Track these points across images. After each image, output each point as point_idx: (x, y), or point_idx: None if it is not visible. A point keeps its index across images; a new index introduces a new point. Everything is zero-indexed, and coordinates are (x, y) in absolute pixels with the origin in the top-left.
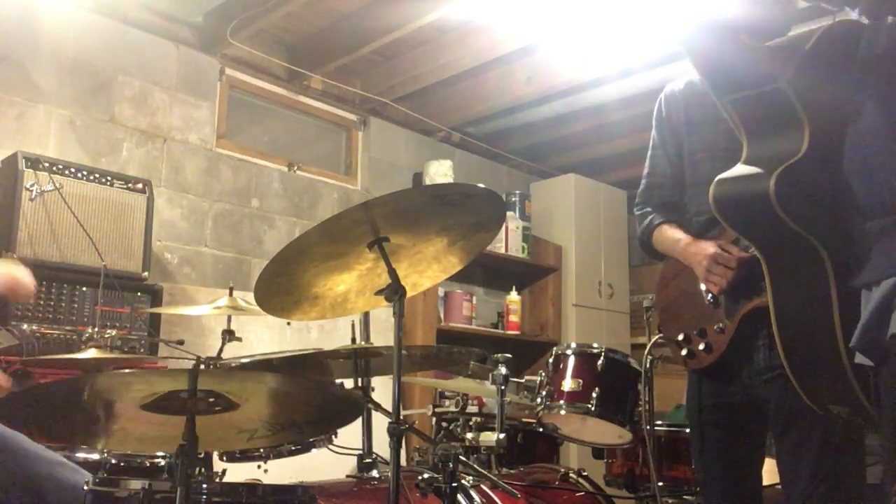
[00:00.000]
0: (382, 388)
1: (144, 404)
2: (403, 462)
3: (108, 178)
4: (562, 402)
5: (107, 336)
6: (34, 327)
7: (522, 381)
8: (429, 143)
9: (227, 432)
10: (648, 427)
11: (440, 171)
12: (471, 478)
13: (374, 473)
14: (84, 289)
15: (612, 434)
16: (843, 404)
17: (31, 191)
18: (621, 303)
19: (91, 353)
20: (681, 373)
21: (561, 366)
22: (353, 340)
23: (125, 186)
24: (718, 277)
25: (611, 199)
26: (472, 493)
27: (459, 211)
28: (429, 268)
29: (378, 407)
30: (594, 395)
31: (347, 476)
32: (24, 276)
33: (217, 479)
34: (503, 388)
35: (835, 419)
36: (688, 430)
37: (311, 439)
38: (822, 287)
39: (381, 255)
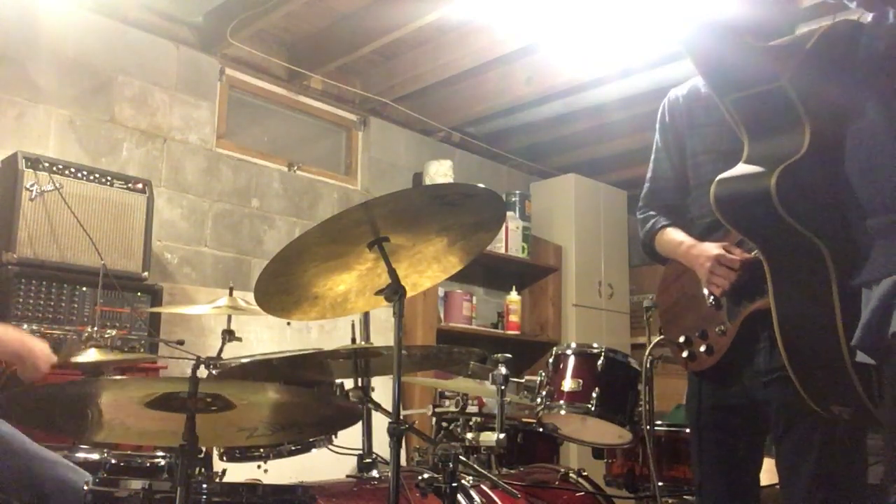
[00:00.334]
0: (382, 388)
1: (145, 402)
2: (403, 462)
3: (108, 178)
4: (562, 402)
5: (107, 336)
6: (34, 327)
7: (522, 381)
8: (429, 143)
9: (226, 430)
10: (648, 427)
11: (440, 171)
12: (471, 478)
13: (374, 473)
14: (84, 289)
15: (612, 434)
16: (845, 404)
17: (31, 191)
18: (621, 303)
19: (91, 353)
20: (681, 373)
21: (561, 366)
22: (353, 340)
23: (125, 186)
24: (721, 279)
25: (611, 199)
26: (472, 493)
27: (459, 211)
28: (429, 268)
29: (378, 407)
30: (594, 395)
31: (347, 476)
32: (40, 350)
33: (217, 479)
34: (503, 388)
35: (836, 420)
36: (688, 431)
37: (310, 439)
38: (824, 286)
39: (381, 255)
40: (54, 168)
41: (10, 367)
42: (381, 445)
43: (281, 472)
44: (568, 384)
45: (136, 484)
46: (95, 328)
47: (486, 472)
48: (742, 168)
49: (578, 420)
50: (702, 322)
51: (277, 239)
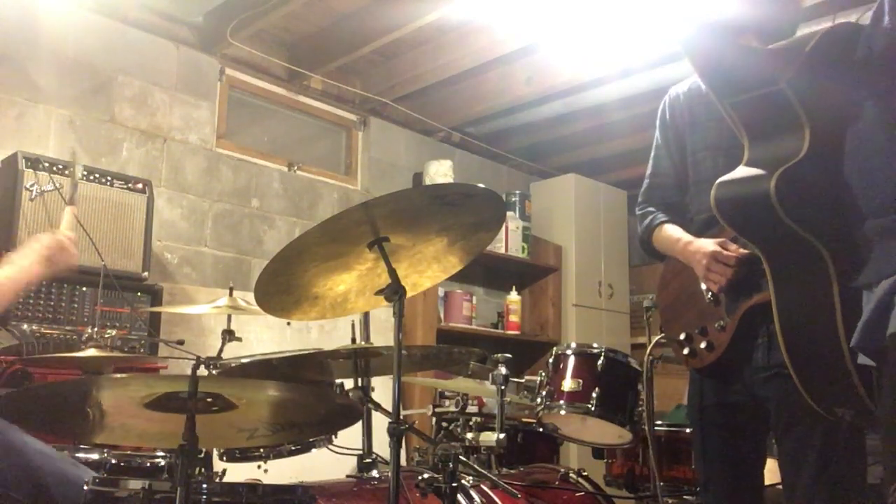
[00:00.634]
0: (382, 388)
1: (145, 403)
2: (403, 462)
3: (108, 178)
4: (562, 402)
5: (107, 336)
6: (34, 327)
7: (522, 381)
8: (429, 143)
9: (226, 431)
10: (650, 427)
11: (440, 171)
12: (471, 478)
13: (374, 473)
14: (84, 289)
15: (612, 434)
16: (847, 406)
17: (31, 191)
18: (621, 303)
19: (91, 353)
20: (681, 373)
21: (561, 366)
22: (353, 340)
23: (125, 186)
24: (718, 275)
25: (611, 199)
26: (472, 493)
27: (459, 211)
28: (429, 268)
29: (378, 407)
30: (594, 395)
31: (347, 476)
32: (56, 243)
33: (217, 479)
34: (503, 388)
35: (838, 421)
36: (688, 430)
37: (310, 439)
38: (825, 288)
39: (381, 255)
40: (54, 168)
41: (10, 366)
42: (381, 445)
43: (281, 472)
44: (568, 384)
45: (136, 484)
46: (95, 328)
47: (486, 472)
48: (742, 171)
49: (578, 420)
50: (701, 319)
51: (277, 239)
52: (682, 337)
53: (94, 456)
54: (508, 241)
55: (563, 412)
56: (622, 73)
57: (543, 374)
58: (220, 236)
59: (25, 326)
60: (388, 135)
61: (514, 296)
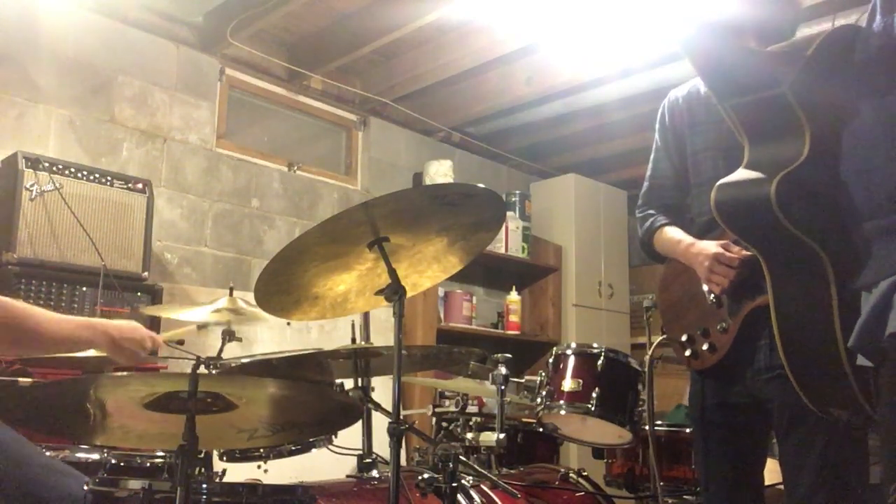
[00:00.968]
0: (382, 388)
1: (145, 403)
2: (403, 462)
3: (108, 178)
4: (562, 402)
5: None
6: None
7: (522, 381)
8: (429, 143)
9: (226, 431)
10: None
11: (440, 171)
12: (471, 478)
13: (374, 473)
14: (84, 289)
15: (612, 434)
16: (843, 407)
17: (31, 191)
18: (621, 303)
19: (91, 353)
20: (681, 373)
21: (561, 366)
22: (353, 340)
23: (125, 186)
24: (720, 277)
25: (611, 199)
26: (472, 493)
27: (459, 211)
28: (429, 268)
29: (378, 407)
30: (594, 395)
31: (347, 476)
32: (133, 332)
33: (217, 479)
34: (503, 388)
35: (836, 421)
36: (688, 430)
37: (311, 439)
38: (823, 291)
39: (381, 255)
40: (54, 168)
41: (10, 366)
42: (381, 445)
43: (281, 472)
44: (568, 384)
45: (136, 484)
46: None
47: (486, 472)
48: (742, 174)
49: (578, 420)
50: (703, 320)
51: (277, 239)
52: (683, 338)
53: (95, 456)
54: (508, 241)
55: (563, 412)
56: (622, 73)
57: (543, 374)
58: (220, 236)
59: None
60: (388, 135)
61: (514, 296)
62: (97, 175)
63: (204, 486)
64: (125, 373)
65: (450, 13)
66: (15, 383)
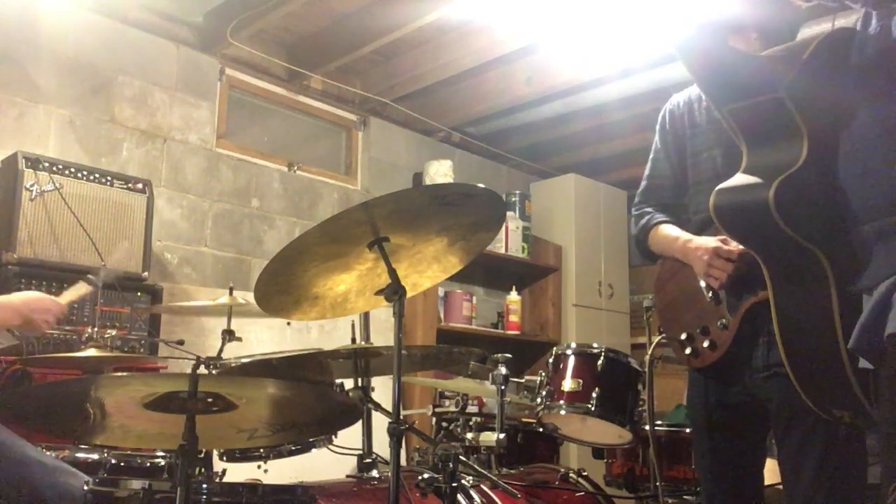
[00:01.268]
0: (382, 388)
1: (145, 403)
2: (403, 462)
3: (108, 178)
4: (562, 402)
5: (107, 336)
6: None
7: (522, 381)
8: (429, 143)
9: (226, 431)
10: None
11: (440, 171)
12: (471, 478)
13: (374, 473)
14: None
15: (612, 434)
16: (845, 408)
17: (31, 191)
18: (621, 303)
19: (91, 353)
20: (681, 373)
21: (561, 366)
22: (353, 340)
23: (125, 186)
24: (719, 271)
25: (611, 199)
26: (472, 493)
27: (459, 211)
28: (429, 268)
29: (378, 407)
30: (594, 395)
31: (347, 476)
32: (39, 303)
33: (217, 479)
34: (503, 388)
35: (837, 422)
36: (688, 430)
37: (311, 439)
38: (824, 294)
39: (381, 255)
40: (54, 168)
41: (10, 366)
42: (381, 445)
43: (281, 472)
44: (568, 384)
45: (136, 484)
46: (95, 328)
47: (486, 472)
48: (740, 178)
49: (578, 420)
50: (702, 318)
51: (277, 239)
52: (683, 337)
53: (94, 456)
54: (508, 241)
55: (563, 412)
56: (622, 73)
57: (543, 374)
58: (220, 236)
59: None
60: (388, 135)
61: (514, 296)
62: (97, 175)
63: (204, 486)
64: (125, 373)
65: (450, 13)
66: (15, 384)
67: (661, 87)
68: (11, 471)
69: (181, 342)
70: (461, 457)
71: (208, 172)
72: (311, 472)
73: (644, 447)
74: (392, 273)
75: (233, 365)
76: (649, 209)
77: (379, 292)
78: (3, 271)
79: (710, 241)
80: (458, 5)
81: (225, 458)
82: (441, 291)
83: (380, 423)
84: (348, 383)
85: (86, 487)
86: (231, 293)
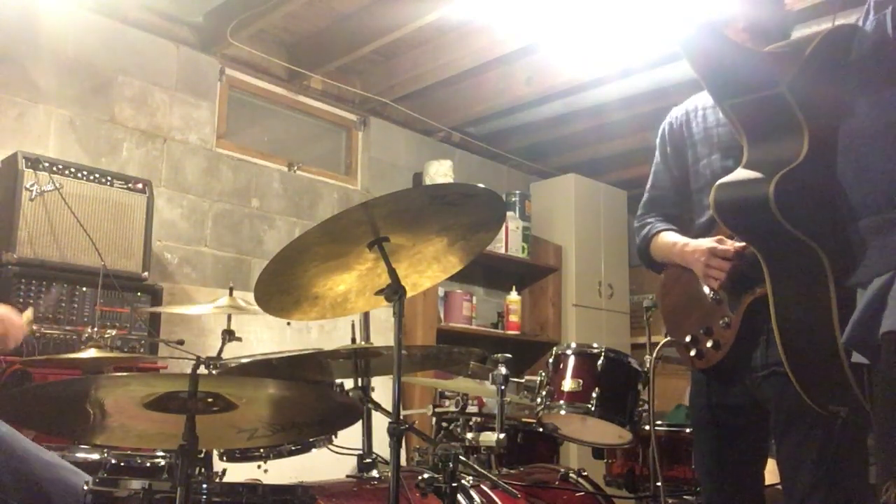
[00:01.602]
0: (382, 388)
1: (145, 403)
2: (403, 462)
3: (108, 178)
4: (562, 402)
5: (107, 336)
6: (34, 327)
7: (522, 381)
8: (429, 143)
9: (226, 431)
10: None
11: (440, 171)
12: (471, 478)
13: (374, 473)
14: (84, 289)
15: (612, 434)
16: (842, 404)
17: (31, 191)
18: (621, 303)
19: (91, 353)
20: (681, 373)
21: (561, 366)
22: (353, 340)
23: (125, 186)
24: (717, 271)
25: (611, 199)
26: (472, 493)
27: (459, 211)
28: (429, 268)
29: (378, 407)
30: (594, 395)
31: (347, 476)
32: (13, 317)
33: (217, 479)
34: (503, 388)
35: (836, 419)
36: (688, 430)
37: (311, 439)
38: (822, 289)
39: (381, 255)
40: (54, 168)
41: (10, 366)
42: (381, 445)
43: (281, 472)
44: (568, 384)
45: (136, 484)
46: (95, 328)
47: (486, 472)
48: (741, 173)
49: (578, 420)
50: (705, 319)
51: (277, 239)
52: (687, 339)
53: (94, 456)
54: (508, 241)
55: (563, 412)
56: (622, 73)
57: (543, 374)
58: (220, 236)
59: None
60: (388, 135)
61: (514, 296)
62: (97, 175)
63: (204, 486)
64: (125, 373)
65: (450, 13)
66: (15, 383)
67: (661, 87)
68: (11, 464)
69: (181, 342)
70: (461, 457)
71: (208, 172)
72: (311, 472)
73: (644, 447)
74: (392, 273)
75: (233, 365)
76: (651, 219)
77: (379, 292)
78: (3, 271)
79: (705, 243)
80: (458, 5)
81: (225, 458)
82: (441, 291)
83: (380, 423)
84: (348, 383)
85: (86, 487)
86: (231, 293)
